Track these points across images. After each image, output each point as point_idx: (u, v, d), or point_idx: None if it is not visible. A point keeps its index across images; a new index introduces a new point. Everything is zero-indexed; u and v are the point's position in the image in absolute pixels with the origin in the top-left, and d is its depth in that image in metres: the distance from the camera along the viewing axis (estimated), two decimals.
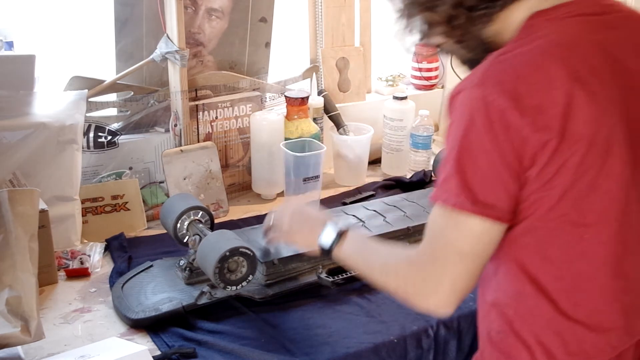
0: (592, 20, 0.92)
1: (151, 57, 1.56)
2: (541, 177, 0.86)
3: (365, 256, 1.05)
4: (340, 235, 1.09)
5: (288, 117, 1.73)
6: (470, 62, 0.99)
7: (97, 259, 1.41)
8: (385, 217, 1.50)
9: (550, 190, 0.86)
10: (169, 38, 1.53)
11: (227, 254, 1.15)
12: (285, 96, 1.74)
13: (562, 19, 0.90)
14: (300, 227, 1.17)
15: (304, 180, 1.58)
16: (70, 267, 1.37)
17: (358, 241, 1.08)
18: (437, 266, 0.90)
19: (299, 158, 1.58)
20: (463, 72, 0.99)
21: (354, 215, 1.50)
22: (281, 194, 1.75)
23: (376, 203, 1.58)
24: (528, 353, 0.93)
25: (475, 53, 0.97)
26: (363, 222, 1.47)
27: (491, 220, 0.87)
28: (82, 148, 1.48)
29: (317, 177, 1.61)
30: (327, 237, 1.10)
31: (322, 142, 1.81)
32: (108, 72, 1.61)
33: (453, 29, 0.95)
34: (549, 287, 0.91)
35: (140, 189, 1.58)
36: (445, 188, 0.88)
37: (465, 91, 0.87)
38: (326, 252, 1.11)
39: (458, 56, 1.02)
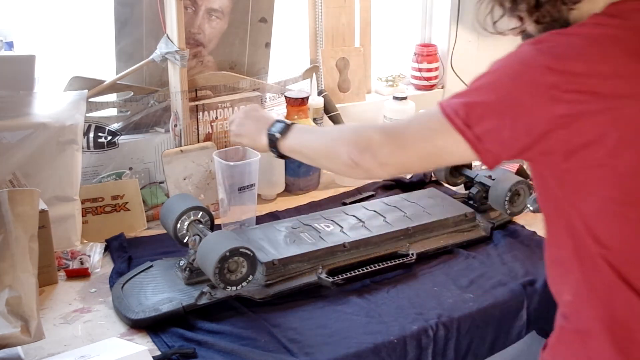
0: None
1: (151, 57, 1.56)
2: (578, 142, 0.88)
3: (316, 132, 1.12)
4: (289, 126, 1.17)
5: (288, 117, 1.73)
6: None
7: (97, 259, 1.41)
8: (385, 217, 1.50)
9: (590, 161, 0.88)
10: (169, 38, 1.53)
11: (227, 254, 1.15)
12: (285, 96, 1.75)
13: (637, 11, 0.91)
14: (249, 123, 1.26)
15: (239, 189, 1.51)
16: (70, 268, 1.37)
17: (307, 127, 1.16)
18: (405, 149, 0.97)
19: (231, 167, 1.49)
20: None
21: (353, 216, 1.50)
22: (281, 194, 1.76)
23: (376, 203, 1.59)
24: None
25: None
26: (363, 222, 1.47)
27: (470, 148, 0.91)
28: (82, 148, 1.48)
29: (252, 185, 1.52)
30: (276, 127, 1.18)
31: None
32: (108, 72, 1.61)
33: (537, 8, 0.96)
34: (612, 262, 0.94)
35: (140, 189, 1.58)
36: (452, 99, 0.94)
37: (524, 45, 0.91)
38: (273, 142, 1.18)
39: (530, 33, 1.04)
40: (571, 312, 1.00)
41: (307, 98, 1.74)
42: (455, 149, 0.93)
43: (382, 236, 1.43)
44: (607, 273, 0.93)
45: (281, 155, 1.20)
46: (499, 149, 0.92)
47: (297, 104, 1.72)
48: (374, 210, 1.53)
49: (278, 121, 1.20)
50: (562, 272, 1.01)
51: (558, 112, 0.87)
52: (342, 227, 1.45)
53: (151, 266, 1.33)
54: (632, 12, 0.91)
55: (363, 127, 1.05)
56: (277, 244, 1.37)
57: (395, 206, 1.56)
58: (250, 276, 1.20)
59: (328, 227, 1.45)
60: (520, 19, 0.99)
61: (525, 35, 1.02)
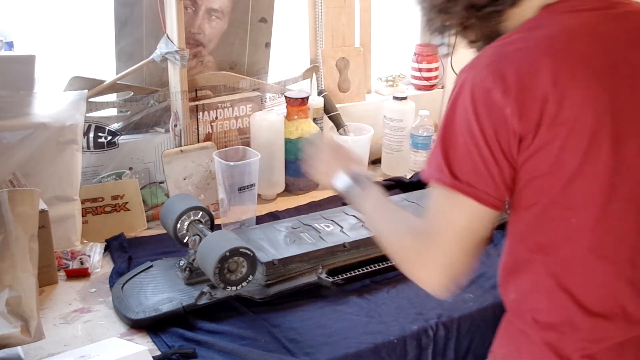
0: (597, 14, 0.93)
1: (151, 57, 1.57)
2: (526, 155, 0.89)
3: (377, 217, 1.08)
4: (353, 187, 1.12)
5: (288, 118, 1.73)
6: None
7: (97, 259, 1.41)
8: None
9: (535, 172, 0.89)
10: (169, 38, 1.53)
11: (227, 254, 1.15)
12: (285, 96, 1.75)
13: (567, 12, 0.92)
14: (324, 164, 1.22)
15: (239, 189, 1.50)
16: (70, 268, 1.37)
17: (373, 200, 1.10)
18: (435, 243, 0.92)
19: (231, 167, 1.49)
20: None
21: (353, 216, 1.50)
22: (281, 194, 1.76)
23: None
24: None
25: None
26: (363, 222, 1.47)
27: (471, 199, 0.89)
28: (82, 148, 1.48)
29: (252, 185, 1.52)
30: (342, 182, 1.15)
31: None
32: (108, 72, 1.61)
33: (467, 30, 0.98)
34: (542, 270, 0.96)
35: (140, 189, 1.58)
36: (429, 164, 0.94)
37: (462, 73, 0.91)
38: (341, 193, 1.16)
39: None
40: (513, 311, 1.03)
41: (307, 98, 1.74)
42: (469, 210, 0.90)
43: None
44: (547, 279, 0.95)
45: None
46: (493, 188, 0.89)
47: (297, 104, 1.72)
48: None
49: (351, 175, 1.14)
50: (508, 273, 1.02)
51: (512, 129, 0.87)
52: (342, 227, 1.45)
53: (151, 266, 1.33)
54: (563, 14, 0.92)
55: (404, 237, 0.99)
56: (277, 244, 1.37)
57: None
58: (250, 276, 1.20)
59: (328, 227, 1.45)
60: (448, 45, 1.02)
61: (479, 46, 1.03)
